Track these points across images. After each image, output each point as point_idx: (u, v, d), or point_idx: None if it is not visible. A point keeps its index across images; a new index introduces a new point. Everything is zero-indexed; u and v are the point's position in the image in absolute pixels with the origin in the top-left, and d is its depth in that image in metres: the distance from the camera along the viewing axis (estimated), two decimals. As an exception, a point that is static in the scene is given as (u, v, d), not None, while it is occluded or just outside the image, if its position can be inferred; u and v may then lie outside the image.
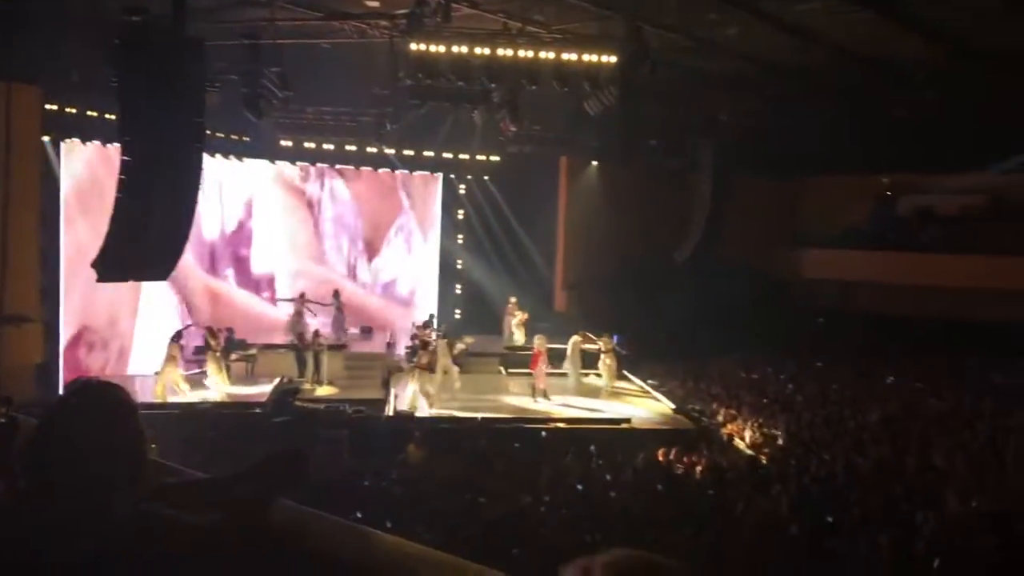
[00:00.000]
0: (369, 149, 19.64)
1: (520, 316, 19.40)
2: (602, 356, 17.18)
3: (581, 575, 1.32)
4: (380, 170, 20.73)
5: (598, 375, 17.36)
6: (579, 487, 11.61)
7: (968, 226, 22.58)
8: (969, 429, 14.85)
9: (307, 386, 16.68)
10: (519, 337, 19.00)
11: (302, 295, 19.32)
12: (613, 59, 14.72)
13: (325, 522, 2.53)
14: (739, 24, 15.37)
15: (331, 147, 19.56)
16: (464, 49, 14.20)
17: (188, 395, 15.24)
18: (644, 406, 16.84)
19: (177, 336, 15.71)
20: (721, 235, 22.56)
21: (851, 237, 23.83)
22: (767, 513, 10.56)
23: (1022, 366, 19.04)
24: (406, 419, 14.65)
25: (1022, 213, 22.16)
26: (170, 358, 15.19)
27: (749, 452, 13.69)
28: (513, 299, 19.82)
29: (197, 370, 16.35)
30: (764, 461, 13.05)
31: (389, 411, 15.29)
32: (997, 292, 20.68)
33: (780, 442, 14.19)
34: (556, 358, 17.40)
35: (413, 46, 14.05)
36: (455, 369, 16.26)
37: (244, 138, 18.83)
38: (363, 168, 20.72)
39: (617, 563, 1.34)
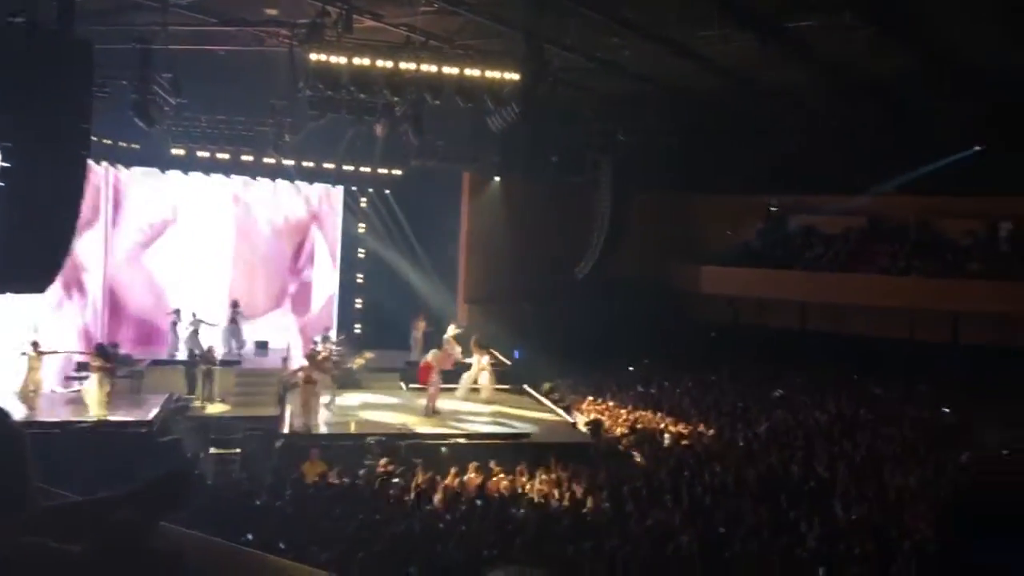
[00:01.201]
0: (267, 160, 19.18)
1: (422, 327, 19.36)
2: (482, 370, 17.21)
3: None
4: (278, 181, 20.26)
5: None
6: (478, 502, 11.58)
7: (849, 245, 23.77)
8: (849, 440, 15.56)
9: (197, 403, 16.11)
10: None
11: (190, 312, 18.67)
12: (515, 76, 14.85)
13: (209, 546, 2.42)
14: (636, 47, 15.80)
15: (226, 157, 19.00)
16: (366, 61, 14.05)
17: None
18: (544, 420, 16.96)
19: (102, 349, 14.99)
20: (620, 251, 23.03)
21: (742, 254, 24.73)
22: (661, 524, 10.78)
23: (897, 379, 20.14)
24: (302, 436, 14.32)
25: (897, 234, 23.49)
26: (102, 371, 14.39)
27: (645, 464, 13.94)
28: (421, 314, 19.75)
29: (77, 386, 15.55)
30: (659, 473, 13.30)
31: (284, 428, 14.92)
32: (874, 309, 21.80)
33: (674, 454, 14.52)
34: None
35: (313, 56, 13.83)
36: (332, 387, 15.99)
37: (133, 145, 18.11)
38: (260, 179, 20.21)
39: None
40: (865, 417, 17.41)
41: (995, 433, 15.68)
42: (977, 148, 20.77)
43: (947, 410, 17.85)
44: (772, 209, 25.23)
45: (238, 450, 13.36)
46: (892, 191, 22.93)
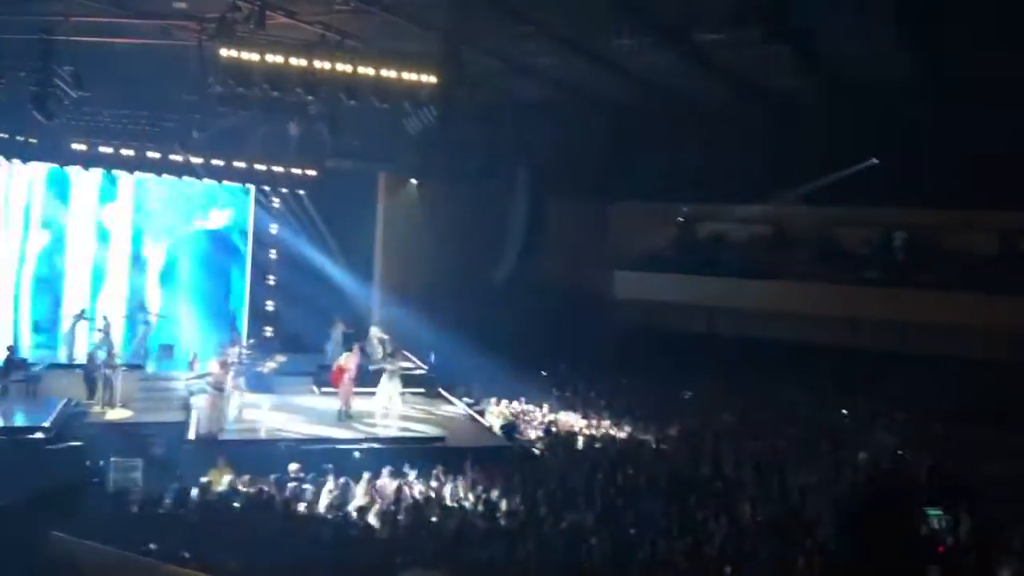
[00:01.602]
0: (173, 157, 18.54)
1: (341, 329, 19.08)
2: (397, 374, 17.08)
3: None
4: (184, 178, 19.59)
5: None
6: (392, 507, 11.49)
7: (757, 253, 24.54)
8: (755, 440, 16.06)
9: (97, 409, 15.46)
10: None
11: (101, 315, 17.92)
12: (433, 79, 14.80)
13: (105, 556, 2.34)
14: (553, 54, 15.98)
15: (131, 153, 18.30)
16: (279, 58, 13.76)
17: None
18: (459, 423, 16.93)
19: None
20: (537, 256, 23.20)
21: (655, 261, 25.24)
22: (575, 526, 10.89)
23: (800, 381, 20.89)
24: (209, 442, 13.91)
25: (801, 242, 24.39)
26: None
27: (560, 467, 14.06)
28: (339, 316, 19.46)
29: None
30: (573, 475, 13.43)
31: (190, 434, 14.46)
32: (781, 314, 22.56)
33: (588, 457, 14.71)
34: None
35: (224, 52, 13.45)
36: (241, 390, 15.61)
37: (31, 140, 17.27)
38: (166, 176, 19.50)
39: None
40: (770, 418, 18.00)
41: (889, 434, 16.46)
42: (874, 160, 21.74)
43: (846, 412, 18.61)
44: (680, 220, 25.86)
45: (140, 457, 12.87)
46: (796, 201, 23.79)
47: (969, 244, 21.72)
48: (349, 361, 16.52)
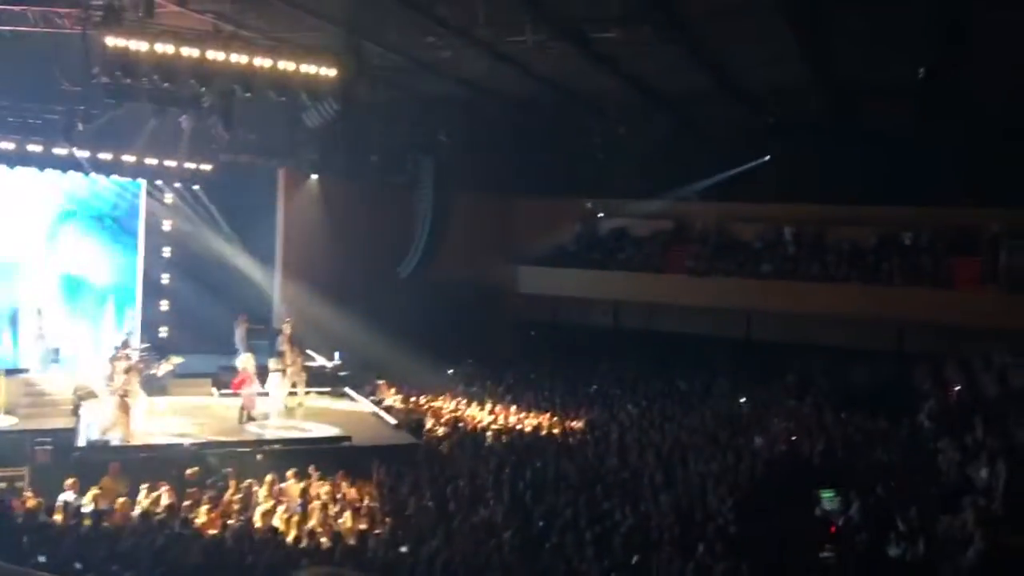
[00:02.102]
0: (57, 151, 17.57)
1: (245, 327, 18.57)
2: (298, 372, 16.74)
3: None
4: (69, 173, 18.61)
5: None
6: (298, 509, 11.24)
7: (658, 247, 25.10)
8: (658, 431, 16.42)
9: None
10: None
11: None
12: (332, 72, 14.51)
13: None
14: (455, 49, 15.91)
15: (11, 146, 17.25)
16: (170, 49, 13.23)
17: None
18: (365, 423, 16.70)
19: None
20: (442, 251, 23.10)
21: (559, 255, 25.51)
22: (484, 522, 10.90)
23: (700, 373, 21.50)
24: (100, 449, 13.28)
25: (700, 237, 25.07)
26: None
27: (469, 463, 14.03)
28: (243, 314, 18.88)
29: None
30: (481, 471, 13.44)
31: (80, 441, 13.78)
32: (681, 307, 23.14)
33: (495, 451, 14.73)
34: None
35: (110, 41, 12.85)
36: (140, 394, 14.96)
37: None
38: (49, 171, 18.49)
39: None
40: (672, 409, 18.44)
41: (782, 421, 17.09)
42: (767, 158, 22.56)
43: (743, 400, 19.24)
44: (593, 210, 26.16)
45: (27, 467, 12.20)
46: (694, 197, 24.44)
47: (853, 237, 22.77)
48: (251, 362, 16.06)
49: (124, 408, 13.99)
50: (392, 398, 18.52)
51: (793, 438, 15.84)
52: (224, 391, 17.23)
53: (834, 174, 21.06)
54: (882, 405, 17.38)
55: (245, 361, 16.18)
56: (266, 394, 16.00)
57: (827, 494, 11.84)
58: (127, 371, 14.59)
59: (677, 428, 16.65)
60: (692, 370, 21.59)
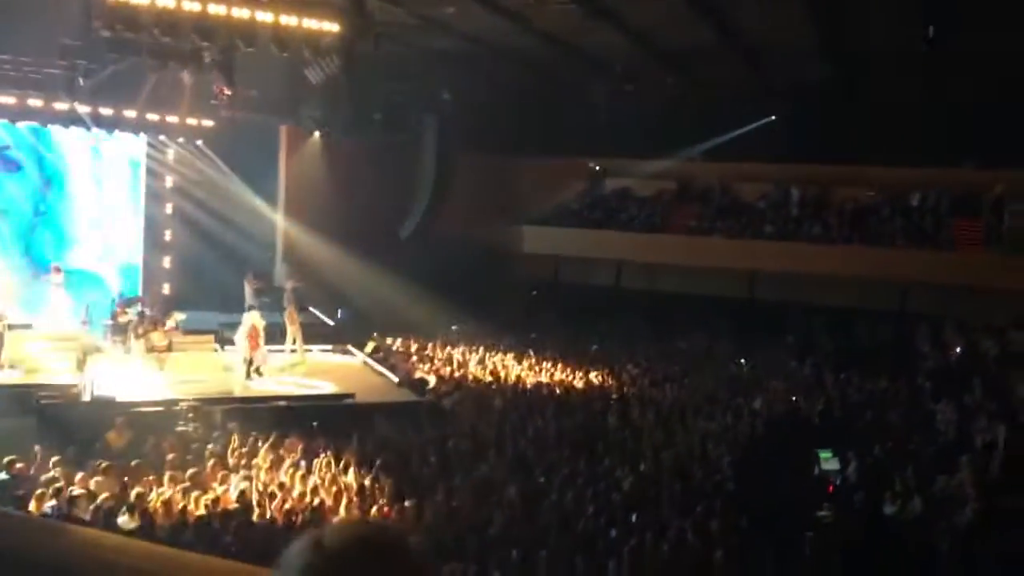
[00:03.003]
0: (58, 105, 17.45)
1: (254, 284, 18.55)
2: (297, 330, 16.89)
3: (312, 547, 1.29)
4: (71, 128, 18.51)
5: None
6: (302, 463, 11.37)
7: (661, 207, 25.03)
8: (659, 390, 16.54)
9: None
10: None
11: None
12: (336, 28, 14.35)
13: (11, 520, 2.23)
14: (459, 5, 15.70)
15: (11, 101, 17.13)
16: (171, 3, 13.09)
17: None
18: (368, 380, 16.82)
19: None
20: (444, 210, 23.04)
21: (562, 215, 25.44)
22: (486, 479, 11.03)
23: (700, 333, 21.58)
24: (105, 404, 13.40)
25: (703, 197, 24.98)
26: None
27: (471, 421, 14.15)
28: (251, 271, 18.81)
29: None
30: (483, 428, 13.57)
31: (86, 396, 13.90)
32: (682, 268, 23.14)
33: (497, 408, 14.85)
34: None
35: (111, -7, 12.72)
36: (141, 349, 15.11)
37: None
38: (51, 126, 18.40)
39: (345, 530, 1.33)
40: (672, 369, 18.54)
41: (782, 382, 17.21)
42: (772, 118, 22.37)
43: (743, 360, 19.34)
44: (596, 169, 26.03)
45: (34, 419, 12.32)
46: (698, 157, 24.30)
47: (856, 198, 22.69)
48: (259, 319, 16.13)
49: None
50: (394, 356, 18.57)
51: (793, 398, 15.96)
52: (228, 348, 17.30)
53: (838, 134, 20.90)
54: (882, 365, 17.49)
55: (253, 318, 16.24)
56: (276, 351, 16.14)
57: (825, 454, 11.97)
58: (136, 327, 14.69)
59: (677, 388, 16.77)
60: (692, 330, 21.65)
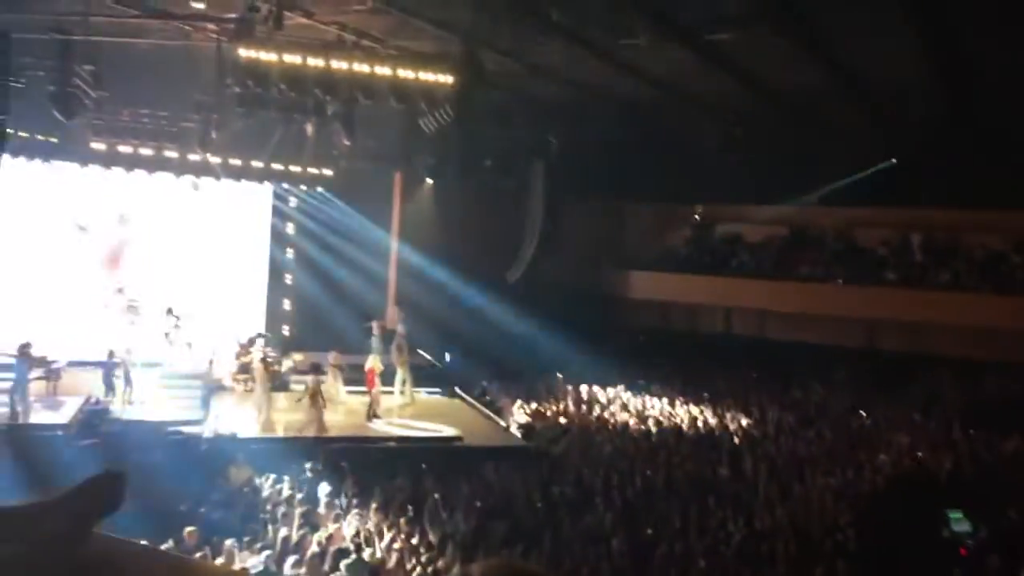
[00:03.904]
0: (191, 157, 18.65)
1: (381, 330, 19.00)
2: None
3: None
4: (202, 178, 19.70)
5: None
6: (409, 507, 11.49)
7: (772, 254, 24.42)
8: (773, 442, 15.95)
9: (116, 406, 15.55)
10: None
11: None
12: (449, 79, 14.81)
13: (139, 552, 2.32)
14: (567, 53, 15.94)
15: (149, 152, 18.41)
16: (297, 59, 13.83)
17: None
18: (476, 423, 16.92)
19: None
20: (552, 255, 23.16)
21: (670, 260, 25.16)
22: (593, 528, 10.87)
23: (816, 383, 20.74)
24: (227, 440, 13.95)
25: (817, 243, 24.24)
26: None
27: (579, 468, 14.01)
28: (376, 318, 19.27)
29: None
30: (591, 475, 13.39)
31: (208, 432, 14.52)
32: (795, 315, 22.42)
33: (605, 455, 14.65)
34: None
35: (243, 52, 13.54)
36: (267, 393, 15.65)
37: (51, 139, 17.42)
38: (185, 176, 19.63)
39: (493, 565, 1.35)
40: (786, 420, 17.88)
41: (906, 436, 16.30)
42: (892, 161, 21.58)
43: (864, 413, 18.46)
44: (696, 218, 25.75)
45: (160, 453, 12.92)
46: (813, 202, 23.65)
47: (985, 244, 21.53)
48: (378, 362, 16.58)
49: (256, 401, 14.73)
50: (502, 400, 18.63)
51: (919, 454, 15.11)
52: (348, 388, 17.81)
53: (964, 177, 19.93)
54: (1015, 422, 16.36)
55: (373, 361, 16.67)
56: (390, 392, 16.52)
57: (955, 515, 11.23)
58: (270, 366, 15.36)
59: (792, 440, 16.15)
60: (807, 380, 20.85)
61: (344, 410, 16.63)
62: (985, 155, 19.58)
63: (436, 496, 11.49)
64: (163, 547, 8.50)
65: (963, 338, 19.92)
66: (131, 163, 18.70)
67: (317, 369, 15.90)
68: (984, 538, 10.90)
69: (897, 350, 21.01)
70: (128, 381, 15.87)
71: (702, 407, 19.12)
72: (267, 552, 8.84)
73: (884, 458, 14.72)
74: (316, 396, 14.95)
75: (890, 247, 22.89)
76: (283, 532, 9.77)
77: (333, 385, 16.39)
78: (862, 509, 11.92)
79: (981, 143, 19.64)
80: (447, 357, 20.57)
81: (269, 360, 16.67)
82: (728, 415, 18.31)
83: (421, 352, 19.58)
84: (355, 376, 17.11)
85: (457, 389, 19.20)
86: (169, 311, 18.75)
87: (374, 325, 18.56)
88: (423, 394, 18.09)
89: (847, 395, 19.83)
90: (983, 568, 10.14)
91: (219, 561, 8.39)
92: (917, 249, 22.40)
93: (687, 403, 19.39)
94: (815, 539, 10.76)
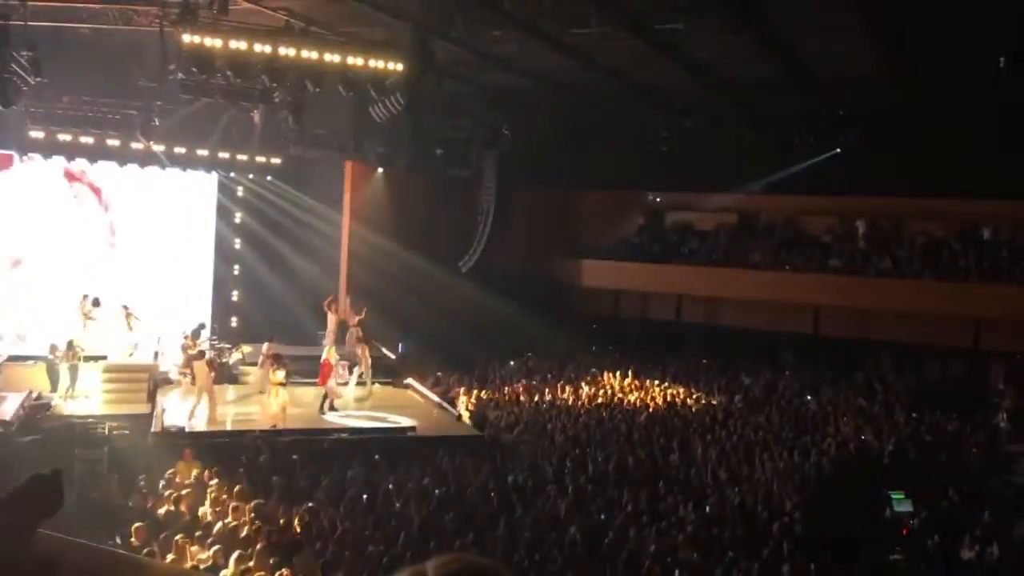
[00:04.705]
0: (134, 145, 18.18)
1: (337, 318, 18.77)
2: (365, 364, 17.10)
3: None
4: (147, 168, 19.23)
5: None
6: (364, 497, 11.43)
7: (721, 242, 24.77)
8: (723, 427, 16.22)
9: (59, 401, 15.18)
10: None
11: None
12: (399, 67, 14.67)
13: (85, 551, 2.26)
14: (520, 42, 15.90)
15: (90, 141, 17.92)
16: (243, 45, 13.55)
17: None
18: (429, 413, 16.88)
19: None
20: (504, 244, 23.18)
21: (622, 249, 25.36)
22: (546, 515, 10.94)
23: (765, 369, 21.14)
24: (175, 435, 13.72)
25: (765, 231, 24.65)
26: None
27: (531, 455, 14.08)
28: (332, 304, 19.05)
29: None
30: (544, 463, 13.47)
31: (156, 427, 14.26)
32: (745, 302, 22.81)
33: (558, 444, 14.74)
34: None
35: (186, 38, 13.22)
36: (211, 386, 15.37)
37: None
38: (128, 165, 19.14)
39: (448, 563, 1.34)
40: (736, 405, 18.19)
41: (850, 420, 16.73)
42: (837, 151, 22.01)
43: (809, 398, 18.88)
44: (656, 201, 25.98)
45: (106, 449, 12.66)
46: (760, 190, 24.04)
47: (926, 231, 22.11)
48: (333, 353, 16.40)
49: (209, 394, 14.46)
50: (455, 389, 18.62)
51: (863, 437, 15.50)
52: (292, 380, 17.58)
53: (908, 166, 20.45)
54: (955, 404, 16.89)
55: (328, 353, 16.50)
56: (345, 384, 16.36)
57: (898, 496, 11.57)
58: (212, 361, 15.04)
59: (741, 425, 16.44)
60: (755, 365, 21.23)
61: (291, 403, 16.42)
62: (927, 146, 20.10)
63: (390, 486, 11.45)
64: (109, 544, 8.35)
65: (905, 323, 20.47)
66: (71, 152, 18.19)
67: (278, 360, 15.61)
68: (925, 518, 11.24)
69: (842, 335, 21.52)
70: (72, 375, 15.49)
71: (653, 394, 19.35)
72: (216, 547, 8.71)
73: (829, 441, 15.08)
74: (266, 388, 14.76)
75: (835, 234, 23.38)
76: (232, 525, 9.65)
77: (264, 376, 16.01)
78: (808, 492, 12.19)
79: (923, 134, 20.15)
80: (400, 347, 20.48)
81: (215, 352, 16.39)
82: (679, 401, 18.55)
83: (374, 342, 19.44)
84: (304, 367, 16.93)
85: (410, 379, 19.13)
86: (124, 307, 18.30)
87: (328, 316, 18.39)
88: (377, 385, 17.97)
89: (794, 380, 20.26)
90: (923, 547, 10.46)
91: (169, 558, 8.26)
92: (861, 237, 22.91)
93: (639, 390, 19.61)
94: (763, 522, 10.97)
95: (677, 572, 9.23)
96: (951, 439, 15.35)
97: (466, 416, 16.41)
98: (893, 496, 11.53)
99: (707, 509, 11.40)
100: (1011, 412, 16.05)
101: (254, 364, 18.18)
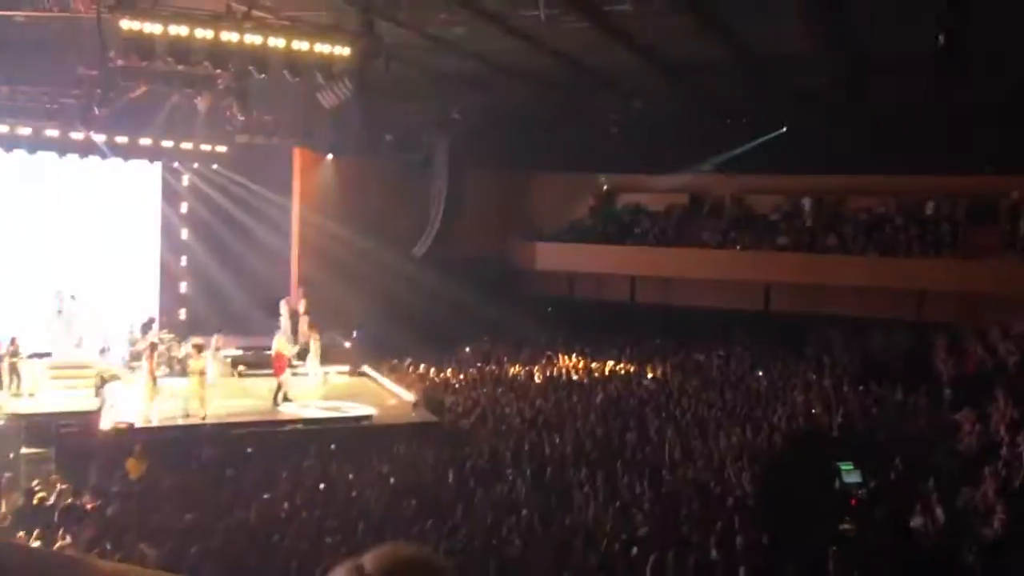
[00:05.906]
0: (74, 135, 17.68)
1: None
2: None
3: (354, 573, 1.31)
4: (88, 158, 18.72)
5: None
6: (321, 486, 11.38)
7: (673, 222, 25.00)
8: (677, 405, 16.43)
9: (4, 399, 14.79)
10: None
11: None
12: (347, 51, 14.45)
13: (28, 554, 2.22)
14: (468, 25, 15.77)
15: (27, 131, 17.37)
16: (184, 30, 13.22)
17: None
18: (385, 401, 16.83)
19: None
20: (457, 229, 23.10)
21: (575, 231, 25.46)
22: (504, 499, 10.99)
23: (718, 346, 21.45)
24: (124, 431, 13.46)
25: (715, 211, 24.93)
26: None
27: (489, 440, 14.12)
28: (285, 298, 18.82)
29: None
30: (501, 448, 13.52)
31: (104, 424, 13.98)
32: (697, 281, 23.09)
33: (515, 428, 14.80)
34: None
35: (125, 24, 12.85)
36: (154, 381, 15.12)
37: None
38: (68, 155, 18.61)
39: (385, 556, 1.34)
40: (689, 383, 18.44)
41: (800, 394, 17.06)
42: (783, 130, 22.32)
43: (761, 373, 19.21)
44: (608, 186, 26.11)
45: (53, 448, 12.40)
46: (709, 170, 24.28)
47: (870, 208, 22.58)
48: (285, 344, 16.22)
49: (153, 389, 14.20)
50: (411, 376, 18.57)
51: (813, 411, 15.83)
52: (248, 372, 17.40)
53: (851, 144, 20.82)
54: (901, 376, 17.32)
55: (280, 344, 16.32)
56: (305, 375, 16.25)
57: (846, 467, 11.84)
58: (157, 354, 14.77)
59: (695, 402, 16.67)
60: (709, 344, 21.53)
61: (235, 394, 16.24)
62: (870, 123, 20.48)
63: (349, 476, 11.41)
64: (57, 546, 8.18)
65: (851, 298, 20.92)
66: (8, 143, 17.63)
67: (199, 349, 15.32)
68: (873, 488, 11.54)
69: (791, 311, 21.91)
70: (15, 373, 15.09)
71: (609, 374, 19.52)
72: (168, 544, 8.60)
73: (779, 415, 15.37)
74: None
75: (782, 212, 23.75)
76: (188, 519, 9.54)
77: (217, 368, 15.79)
78: (760, 466, 12.43)
79: (866, 111, 20.52)
80: (355, 334, 20.34)
81: (163, 346, 16.11)
82: (634, 381, 18.73)
83: (328, 331, 19.28)
84: (255, 359, 16.77)
85: (365, 367, 19.03)
86: (72, 298, 17.86)
87: (281, 306, 18.16)
88: (332, 373, 17.84)
89: (746, 357, 20.59)
90: (872, 516, 10.73)
91: (117, 557, 8.12)
92: (807, 214, 23.31)
93: (594, 371, 19.76)
94: (717, 497, 11.17)
95: (635, 549, 9.34)
96: (897, 410, 15.74)
97: (423, 402, 16.38)
98: (842, 467, 11.79)
99: (663, 487, 11.56)
100: (953, 381, 16.52)
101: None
